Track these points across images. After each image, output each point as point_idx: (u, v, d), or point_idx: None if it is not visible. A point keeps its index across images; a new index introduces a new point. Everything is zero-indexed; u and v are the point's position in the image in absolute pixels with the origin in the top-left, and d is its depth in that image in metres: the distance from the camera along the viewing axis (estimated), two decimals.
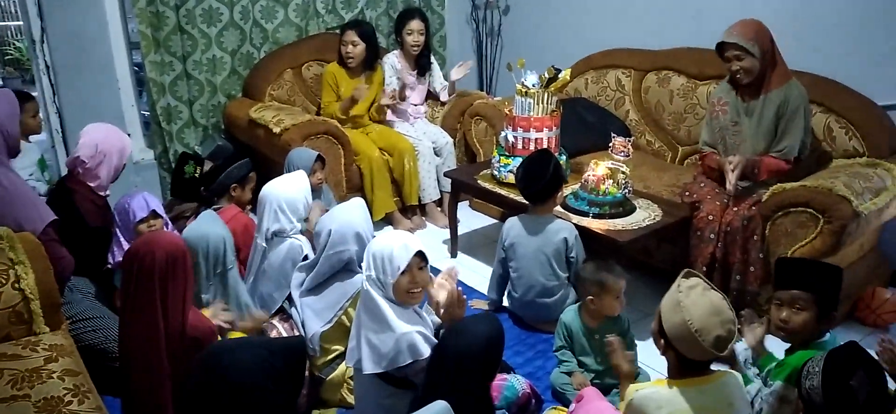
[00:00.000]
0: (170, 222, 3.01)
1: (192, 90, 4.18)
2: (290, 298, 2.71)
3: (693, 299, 1.78)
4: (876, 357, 1.98)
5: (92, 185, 2.91)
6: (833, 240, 2.69)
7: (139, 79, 4.27)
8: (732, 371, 1.96)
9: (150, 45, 3.94)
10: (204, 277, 2.61)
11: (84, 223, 2.84)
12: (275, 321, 2.67)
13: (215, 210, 3.10)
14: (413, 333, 2.05)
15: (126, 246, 2.72)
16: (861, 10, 3.20)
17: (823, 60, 3.28)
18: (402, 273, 2.12)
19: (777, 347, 2.37)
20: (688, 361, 1.82)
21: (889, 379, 1.99)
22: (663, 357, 1.93)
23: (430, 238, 3.98)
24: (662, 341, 1.84)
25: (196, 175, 3.33)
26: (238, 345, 1.71)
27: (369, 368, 2.13)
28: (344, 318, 2.49)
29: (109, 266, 2.73)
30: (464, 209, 4.32)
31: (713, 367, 1.91)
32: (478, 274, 3.52)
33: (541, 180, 2.89)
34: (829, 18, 3.30)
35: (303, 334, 2.58)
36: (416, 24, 4.18)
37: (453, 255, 3.74)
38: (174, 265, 2.12)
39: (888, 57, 3.15)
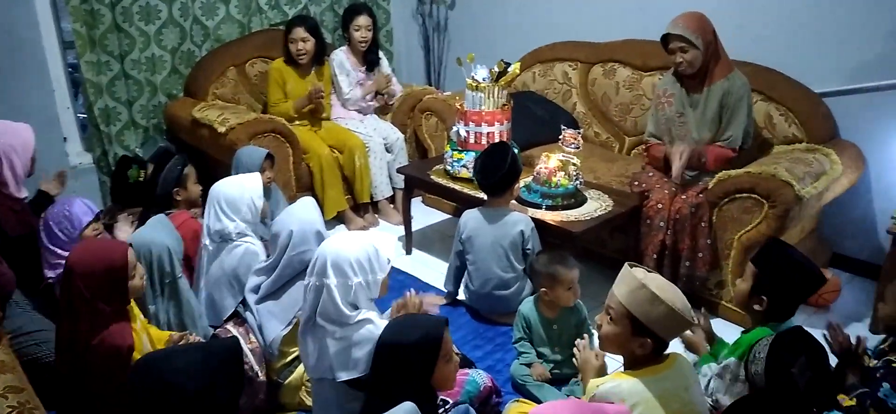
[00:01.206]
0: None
1: (131, 90, 4.03)
2: (244, 303, 2.64)
3: (659, 285, 1.82)
4: (822, 340, 2.06)
5: (6, 192, 2.76)
6: (777, 224, 2.78)
7: (74, 80, 4.09)
8: (681, 354, 2.00)
9: (85, 44, 3.78)
10: (148, 288, 2.51)
11: (4, 233, 2.70)
12: (229, 326, 2.59)
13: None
14: None
15: (67, 255, 2.61)
16: (799, 1, 3.31)
17: (762, 50, 3.39)
18: None
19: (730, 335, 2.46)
20: (658, 347, 1.86)
21: (832, 358, 2.09)
22: (620, 354, 1.96)
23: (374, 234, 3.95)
24: (637, 339, 1.84)
25: (140, 179, 3.22)
26: (171, 352, 1.68)
27: (345, 375, 2.10)
28: None
29: (50, 280, 2.61)
30: (416, 205, 4.29)
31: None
32: (433, 269, 3.51)
33: (498, 172, 2.90)
34: (768, 9, 3.41)
35: (259, 339, 2.52)
36: (363, 20, 4.13)
37: (408, 251, 3.72)
38: (107, 276, 2.05)
39: (823, 46, 3.27)
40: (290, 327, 2.45)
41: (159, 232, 2.57)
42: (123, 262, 2.13)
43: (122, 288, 2.13)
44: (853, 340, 2.13)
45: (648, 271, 1.88)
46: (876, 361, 2.04)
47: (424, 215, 4.19)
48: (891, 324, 2.05)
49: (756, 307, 2.23)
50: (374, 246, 2.13)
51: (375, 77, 4.29)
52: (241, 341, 2.48)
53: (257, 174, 2.93)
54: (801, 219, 2.94)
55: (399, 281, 3.32)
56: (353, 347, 2.09)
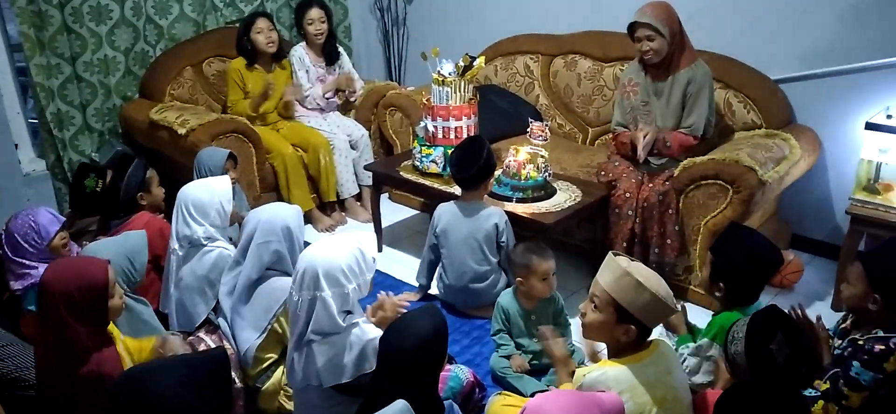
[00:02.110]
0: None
1: (84, 93, 3.90)
2: (216, 309, 2.59)
3: (644, 274, 1.85)
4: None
5: None
6: (742, 208, 2.85)
7: (24, 83, 3.94)
8: (663, 339, 2.04)
9: (33, 46, 3.64)
10: None
11: None
12: (201, 334, 2.53)
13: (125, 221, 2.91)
14: (377, 338, 2.01)
15: (34, 266, 2.52)
16: None
17: (720, 39, 3.47)
18: None
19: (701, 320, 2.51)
20: (642, 334, 1.88)
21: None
22: (605, 342, 1.98)
23: (352, 234, 3.92)
24: (622, 326, 1.87)
25: (97, 189, 3.10)
26: (156, 366, 1.62)
27: (331, 381, 2.08)
28: (276, 325, 2.40)
29: (17, 292, 2.51)
30: (384, 202, 4.26)
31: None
32: (404, 266, 3.50)
33: (473, 166, 2.90)
34: None
35: (232, 345, 2.47)
36: (315, 13, 4.06)
37: (379, 249, 3.69)
38: (88, 295, 1.97)
39: (779, 33, 3.36)
40: (264, 335, 2.40)
41: (107, 249, 2.43)
42: (105, 279, 2.03)
43: (102, 309, 2.02)
44: (814, 320, 2.21)
45: (631, 260, 1.91)
46: (840, 342, 2.11)
47: (392, 212, 4.17)
48: (853, 305, 2.11)
49: (717, 294, 2.31)
50: (359, 247, 2.12)
51: (336, 74, 4.24)
52: None
53: (227, 178, 2.86)
54: (765, 202, 3.02)
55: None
56: (342, 353, 2.07)
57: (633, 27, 3.05)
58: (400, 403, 1.69)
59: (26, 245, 2.53)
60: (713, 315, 2.37)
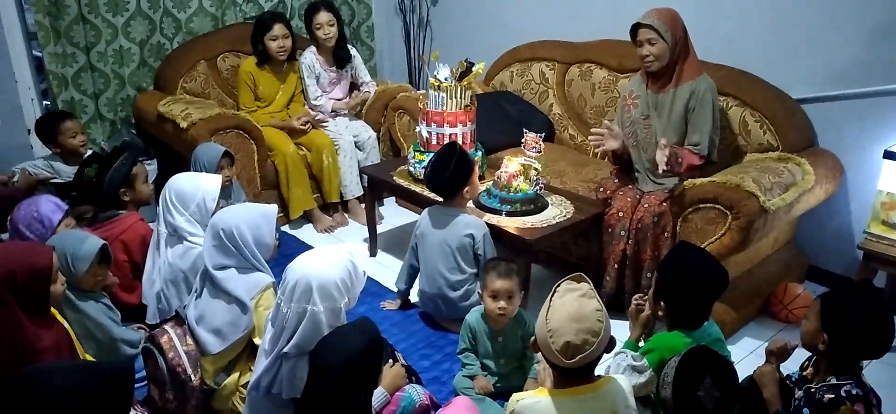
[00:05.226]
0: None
1: (98, 83, 3.97)
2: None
3: (564, 301, 1.72)
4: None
5: None
6: (741, 236, 2.64)
7: (40, 71, 4.03)
8: (616, 377, 1.89)
9: (48, 35, 3.72)
10: None
11: None
12: (167, 326, 2.50)
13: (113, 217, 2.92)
14: None
15: None
16: (775, 1, 3.17)
17: (738, 53, 3.25)
18: None
19: None
20: (559, 368, 1.74)
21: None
22: None
23: (353, 236, 3.87)
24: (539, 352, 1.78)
25: (95, 179, 3.13)
26: (55, 368, 1.57)
27: (290, 393, 2.01)
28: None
29: None
30: (390, 205, 4.21)
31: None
32: (396, 272, 3.40)
33: (443, 175, 2.80)
34: (744, 10, 3.26)
35: (199, 340, 2.42)
36: (324, 17, 3.96)
37: (372, 254, 3.62)
38: (29, 279, 1.97)
39: (802, 49, 3.12)
40: (227, 348, 2.35)
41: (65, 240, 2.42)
42: (48, 264, 2.04)
43: (43, 294, 2.03)
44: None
45: (584, 291, 1.76)
46: (799, 393, 1.94)
47: (397, 215, 4.09)
48: (806, 342, 1.96)
49: (659, 313, 2.19)
50: (351, 260, 2.01)
51: (349, 75, 4.19)
52: (177, 342, 2.39)
53: (219, 177, 2.88)
54: (768, 231, 2.79)
55: None
56: (303, 366, 1.98)
57: (635, 30, 2.88)
58: None
59: (32, 235, 2.56)
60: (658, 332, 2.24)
